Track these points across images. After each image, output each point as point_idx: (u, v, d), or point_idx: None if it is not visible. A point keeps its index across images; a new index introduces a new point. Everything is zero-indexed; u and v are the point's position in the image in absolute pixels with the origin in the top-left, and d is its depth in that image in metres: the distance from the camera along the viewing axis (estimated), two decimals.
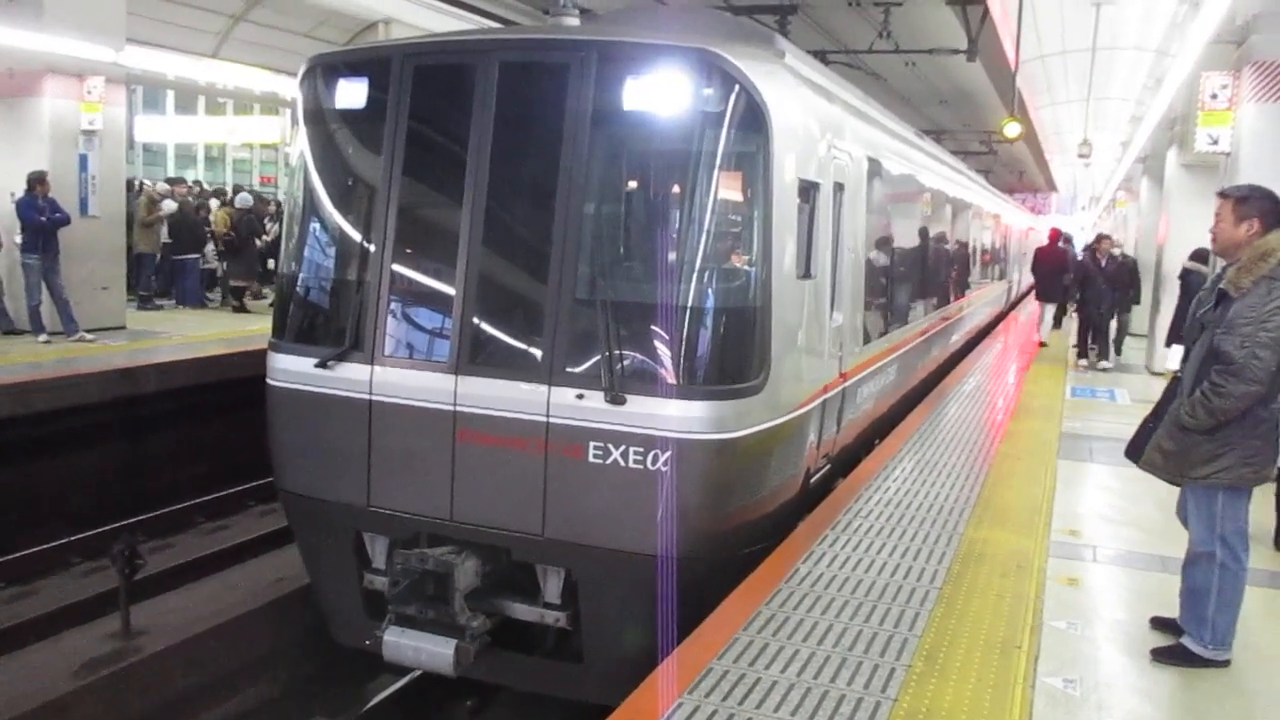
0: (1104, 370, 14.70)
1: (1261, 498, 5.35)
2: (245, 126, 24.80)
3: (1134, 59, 20.45)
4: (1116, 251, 15.91)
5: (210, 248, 17.39)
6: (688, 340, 5.57)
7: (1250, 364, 4.30)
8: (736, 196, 5.80)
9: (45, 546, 8.58)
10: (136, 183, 18.15)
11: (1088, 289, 15.27)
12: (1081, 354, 15.57)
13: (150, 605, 7.34)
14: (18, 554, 8.39)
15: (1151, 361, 14.84)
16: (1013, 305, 26.94)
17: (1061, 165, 46.39)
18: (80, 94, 12.78)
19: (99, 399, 10.04)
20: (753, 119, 5.64)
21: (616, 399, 5.42)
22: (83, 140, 12.92)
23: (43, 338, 12.01)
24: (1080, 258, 17.39)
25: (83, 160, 12.95)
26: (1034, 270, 18.54)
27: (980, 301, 18.64)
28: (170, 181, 18.68)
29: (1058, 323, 19.03)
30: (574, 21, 6.52)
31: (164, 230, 16.38)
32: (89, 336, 12.24)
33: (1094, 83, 21.81)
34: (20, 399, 9.42)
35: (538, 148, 5.88)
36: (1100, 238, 16.33)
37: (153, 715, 6.54)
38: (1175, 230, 14.31)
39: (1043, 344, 17.15)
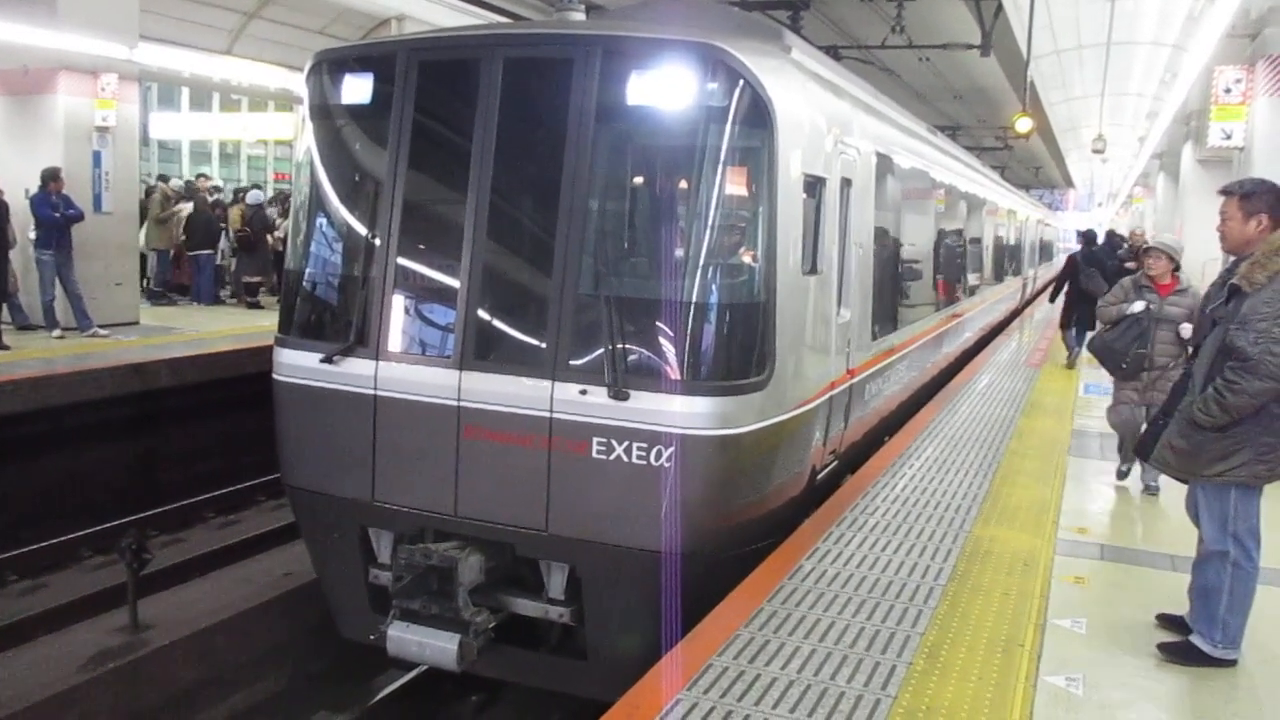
0: None
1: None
2: (259, 123, 24.87)
3: (1150, 54, 20.34)
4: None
5: (224, 244, 17.51)
6: (691, 336, 5.54)
7: (1265, 360, 4.24)
8: (741, 192, 5.77)
9: (56, 540, 8.64)
10: (153, 179, 18.30)
11: None
12: None
13: (159, 599, 7.38)
14: (29, 548, 8.45)
15: None
16: (1027, 302, 26.78)
17: (1078, 161, 46.20)
18: (94, 91, 12.87)
19: (111, 394, 10.09)
20: (757, 114, 5.61)
21: (620, 394, 5.40)
22: (96, 137, 13.01)
23: (56, 333, 12.11)
24: None
25: (96, 157, 13.04)
26: None
27: (994, 298, 18.53)
28: (196, 178, 18.92)
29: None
30: (579, 16, 6.51)
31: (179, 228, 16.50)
32: (102, 332, 12.32)
33: (1109, 78, 21.67)
34: (34, 394, 9.48)
35: (542, 143, 5.87)
36: None
37: (160, 708, 6.58)
38: (1191, 227, 14.19)
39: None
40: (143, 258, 15.99)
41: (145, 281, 16.11)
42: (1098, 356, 7.50)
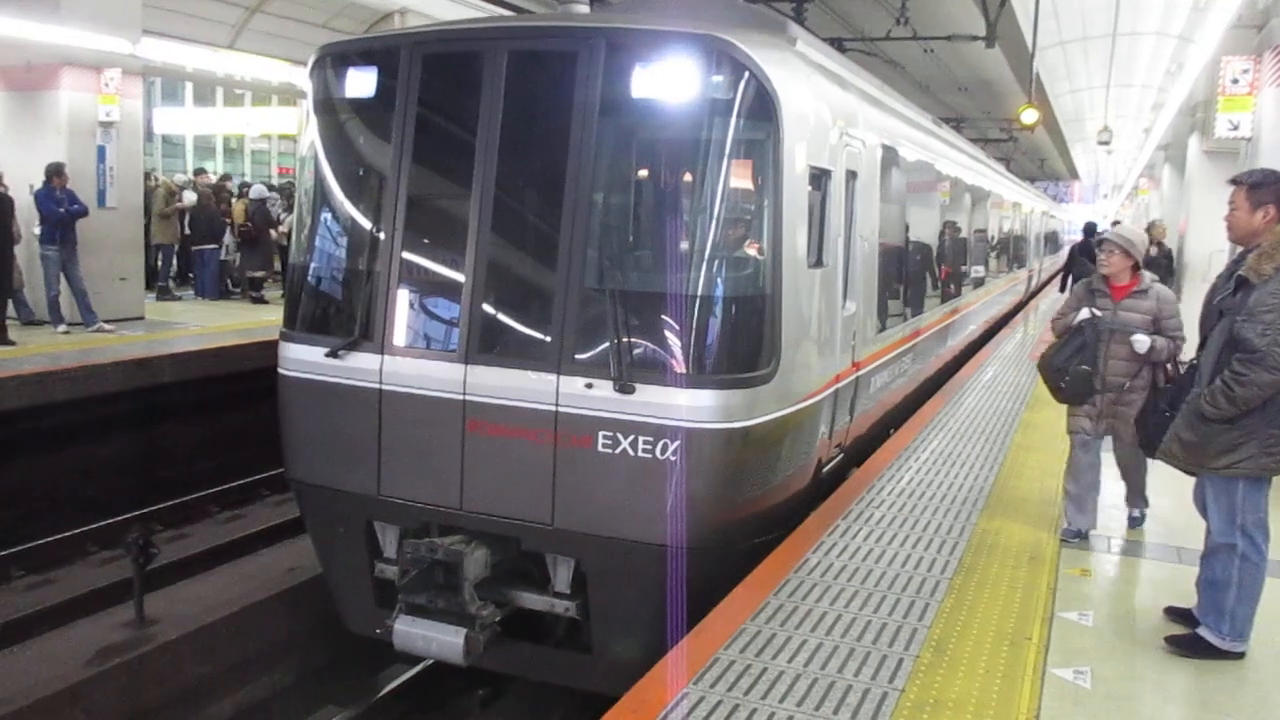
0: None
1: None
2: (263, 118, 24.85)
3: (1155, 44, 20.26)
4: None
5: (228, 239, 17.52)
6: (697, 329, 5.53)
7: (1273, 351, 4.23)
8: (746, 184, 5.75)
9: (62, 535, 8.65)
10: (154, 177, 18.29)
11: None
12: None
13: (165, 594, 7.38)
14: (35, 543, 8.45)
15: None
16: (1033, 294, 26.72)
17: (1083, 153, 46.07)
18: (97, 86, 12.89)
19: (117, 389, 10.10)
20: (762, 106, 5.58)
21: (625, 388, 5.39)
22: (100, 132, 13.02)
23: (61, 328, 12.12)
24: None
25: (100, 152, 13.05)
26: None
27: (999, 290, 18.49)
28: (197, 173, 18.89)
29: None
30: (583, 9, 6.49)
31: (182, 222, 16.51)
32: (108, 327, 12.33)
33: (1115, 69, 21.59)
34: (40, 389, 9.49)
35: (546, 136, 5.85)
36: None
37: (165, 703, 6.59)
38: (1196, 218, 14.15)
39: None
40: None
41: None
42: (1040, 375, 6.17)
